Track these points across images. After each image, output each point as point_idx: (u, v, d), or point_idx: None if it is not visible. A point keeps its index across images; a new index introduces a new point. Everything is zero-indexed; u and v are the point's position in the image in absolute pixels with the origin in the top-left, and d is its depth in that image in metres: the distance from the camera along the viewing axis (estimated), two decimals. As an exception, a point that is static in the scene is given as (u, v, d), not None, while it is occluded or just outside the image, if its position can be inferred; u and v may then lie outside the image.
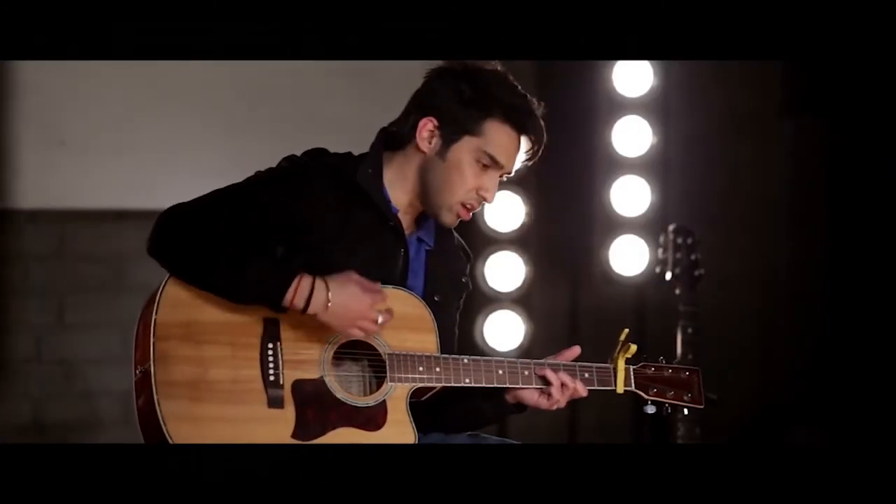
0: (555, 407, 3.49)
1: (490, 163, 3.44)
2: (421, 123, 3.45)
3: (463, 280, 3.60)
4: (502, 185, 6.47)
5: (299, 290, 3.27)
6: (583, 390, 3.49)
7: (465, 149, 3.44)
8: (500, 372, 3.45)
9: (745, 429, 6.76)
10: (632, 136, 6.62)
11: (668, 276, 5.57)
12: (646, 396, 3.56)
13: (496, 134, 3.44)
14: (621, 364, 3.53)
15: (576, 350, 3.53)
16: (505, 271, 6.58)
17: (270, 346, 3.31)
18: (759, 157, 6.92)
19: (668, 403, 3.57)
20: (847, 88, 6.62)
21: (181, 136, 6.44)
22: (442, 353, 3.45)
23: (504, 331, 6.51)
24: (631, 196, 6.63)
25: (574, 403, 6.91)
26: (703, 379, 3.61)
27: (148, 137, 6.49)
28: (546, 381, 3.48)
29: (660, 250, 5.67)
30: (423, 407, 3.45)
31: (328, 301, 3.28)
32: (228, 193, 3.37)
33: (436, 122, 3.45)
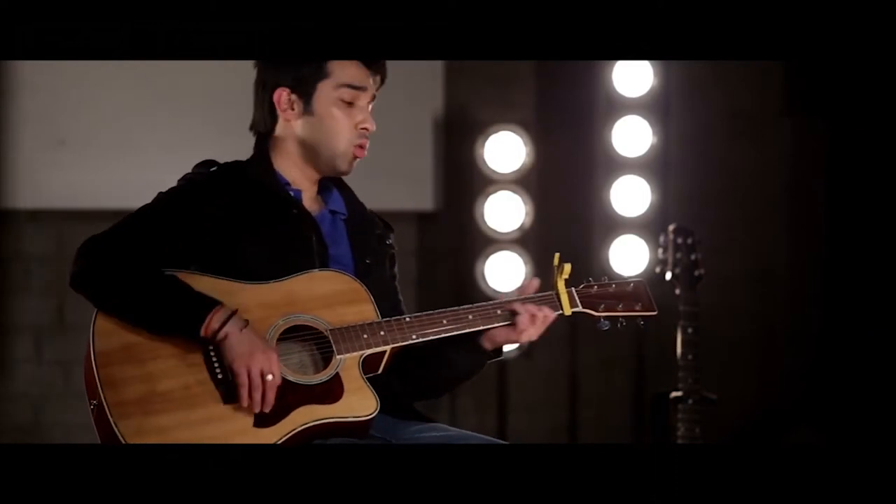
0: (525, 337, 3.48)
1: (352, 94, 3.50)
2: (275, 98, 3.53)
3: (388, 243, 3.62)
4: (502, 186, 6.59)
5: (217, 315, 3.30)
6: (551, 314, 3.49)
7: (324, 94, 3.50)
8: (445, 322, 3.45)
9: (745, 429, 6.76)
10: (632, 136, 6.63)
11: (668, 276, 5.57)
12: (596, 314, 3.54)
13: (340, 66, 3.50)
14: (562, 286, 3.53)
15: (535, 283, 3.55)
16: (505, 271, 6.59)
17: (211, 346, 3.33)
18: (759, 157, 6.92)
19: (621, 316, 3.56)
20: (847, 88, 6.62)
21: (181, 136, 6.45)
22: (388, 316, 3.46)
23: (504, 331, 6.50)
24: (631, 196, 6.63)
25: (574, 403, 6.93)
26: (646, 287, 3.59)
27: (148, 137, 6.49)
28: (514, 312, 3.48)
29: (660, 250, 5.67)
30: (397, 380, 3.47)
31: (244, 327, 3.30)
32: (138, 220, 3.42)
33: (287, 90, 3.51)
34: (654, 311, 3.59)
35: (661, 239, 5.67)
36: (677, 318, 5.48)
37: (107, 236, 3.39)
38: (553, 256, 3.56)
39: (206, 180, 3.49)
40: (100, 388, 3.28)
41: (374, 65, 3.53)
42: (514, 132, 6.62)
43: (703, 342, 5.49)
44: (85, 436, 6.36)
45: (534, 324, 3.48)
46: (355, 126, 3.50)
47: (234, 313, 3.31)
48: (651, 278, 6.42)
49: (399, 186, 6.46)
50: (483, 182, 6.65)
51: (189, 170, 3.55)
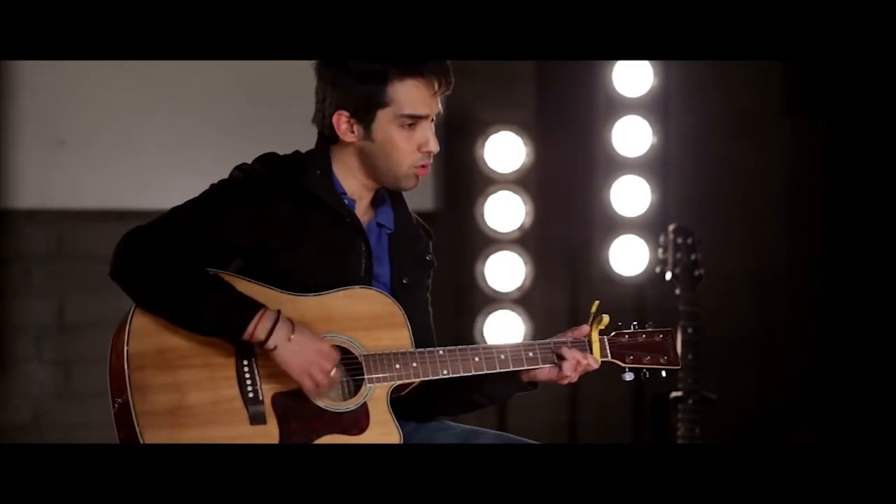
0: (565, 381, 3.50)
1: (412, 121, 3.42)
2: (335, 121, 3.45)
3: (427, 258, 3.58)
4: (502, 186, 6.59)
5: (262, 322, 3.27)
6: (594, 364, 3.50)
7: (384, 122, 3.42)
8: (477, 359, 3.45)
9: (745, 429, 6.76)
10: (632, 136, 6.63)
11: (668, 276, 5.57)
12: (623, 365, 3.55)
13: (402, 93, 3.42)
14: (596, 336, 3.53)
15: (585, 329, 3.53)
16: (505, 271, 6.58)
17: (245, 362, 3.31)
18: (759, 157, 6.92)
19: (646, 369, 3.57)
20: (847, 88, 6.62)
21: (181, 136, 6.44)
22: (419, 332, 3.46)
23: (504, 331, 6.51)
24: (631, 196, 6.63)
25: (574, 403, 6.93)
26: (675, 338, 3.61)
27: (148, 137, 6.49)
28: (561, 357, 3.47)
29: (660, 250, 5.67)
30: (421, 397, 3.46)
31: (291, 334, 3.28)
32: (184, 212, 3.37)
33: (347, 114, 3.44)
34: (679, 365, 3.60)
35: (661, 239, 5.67)
36: (677, 318, 5.48)
37: (152, 228, 3.34)
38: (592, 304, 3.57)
39: (262, 178, 3.42)
40: (129, 392, 3.26)
41: (439, 83, 3.43)
42: (514, 132, 6.62)
43: (703, 342, 5.48)
44: (85, 436, 6.36)
45: (576, 370, 3.49)
46: (417, 148, 3.44)
47: (277, 318, 3.28)
48: (651, 278, 6.43)
49: (399, 186, 6.48)
50: (483, 182, 6.64)
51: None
